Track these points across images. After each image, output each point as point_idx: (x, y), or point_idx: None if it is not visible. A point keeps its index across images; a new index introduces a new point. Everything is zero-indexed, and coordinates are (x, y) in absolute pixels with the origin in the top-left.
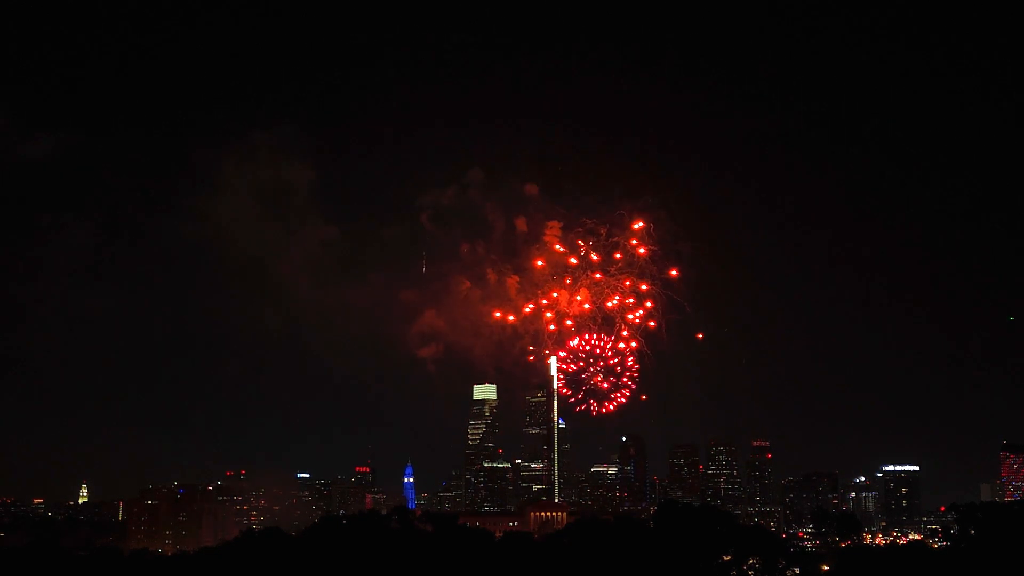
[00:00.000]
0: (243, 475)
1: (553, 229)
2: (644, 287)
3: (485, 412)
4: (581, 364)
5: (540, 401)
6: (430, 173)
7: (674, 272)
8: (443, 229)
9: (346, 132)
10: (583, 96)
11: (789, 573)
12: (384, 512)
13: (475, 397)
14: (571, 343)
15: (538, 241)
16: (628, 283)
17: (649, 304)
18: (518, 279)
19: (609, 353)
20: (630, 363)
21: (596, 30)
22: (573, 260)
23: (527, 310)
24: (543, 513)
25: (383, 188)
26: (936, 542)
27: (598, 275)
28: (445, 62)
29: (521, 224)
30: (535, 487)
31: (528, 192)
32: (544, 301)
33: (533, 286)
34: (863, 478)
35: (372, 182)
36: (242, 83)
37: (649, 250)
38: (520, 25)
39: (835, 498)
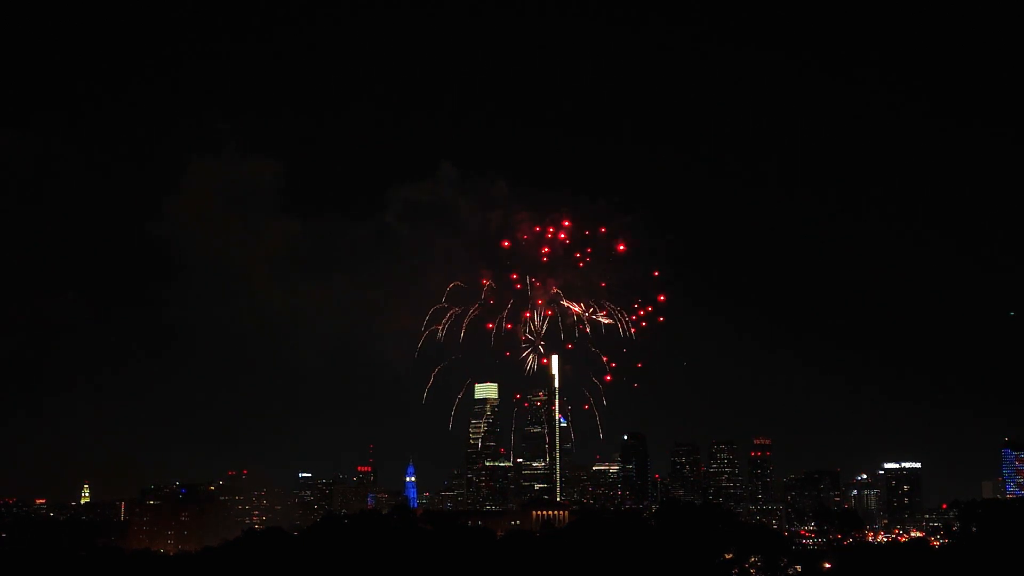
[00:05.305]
0: (244, 475)
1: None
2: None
3: (486, 411)
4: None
5: (541, 400)
6: (400, 168)
7: (656, 273)
8: (414, 225)
9: (314, 125)
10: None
11: (791, 571)
12: (386, 511)
13: (476, 396)
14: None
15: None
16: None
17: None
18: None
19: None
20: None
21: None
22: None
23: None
24: (545, 512)
25: (351, 182)
26: (938, 539)
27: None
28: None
29: (496, 219)
30: (537, 486)
31: (498, 190)
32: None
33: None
34: (864, 476)
35: (339, 176)
36: (208, 77)
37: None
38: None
39: (837, 496)
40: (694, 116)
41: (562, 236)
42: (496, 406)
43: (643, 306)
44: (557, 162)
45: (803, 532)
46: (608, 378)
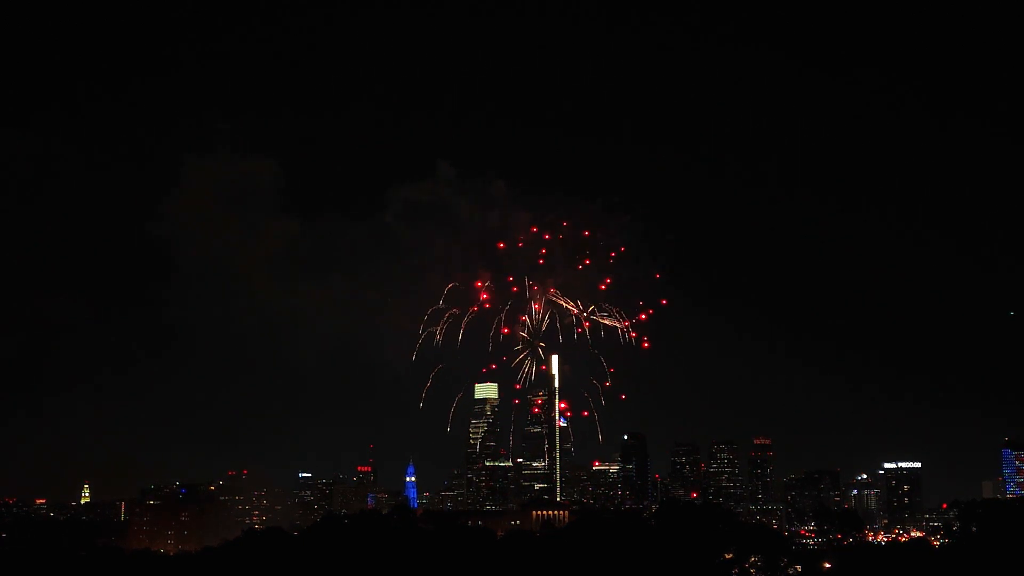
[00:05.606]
0: (244, 475)
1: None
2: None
3: (486, 411)
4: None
5: (540, 401)
6: (400, 168)
7: (657, 275)
8: (413, 225)
9: (314, 125)
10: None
11: (791, 571)
12: (386, 512)
13: (476, 396)
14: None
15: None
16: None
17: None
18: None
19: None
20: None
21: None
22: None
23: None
24: (545, 512)
25: (350, 182)
26: (938, 539)
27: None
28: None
29: (494, 219)
30: (537, 486)
31: (497, 190)
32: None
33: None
34: (865, 475)
35: (338, 176)
36: (208, 77)
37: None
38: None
39: (837, 496)
40: (694, 116)
41: (561, 237)
42: (496, 406)
43: (644, 309)
44: (556, 162)
45: (803, 532)
46: (607, 384)
